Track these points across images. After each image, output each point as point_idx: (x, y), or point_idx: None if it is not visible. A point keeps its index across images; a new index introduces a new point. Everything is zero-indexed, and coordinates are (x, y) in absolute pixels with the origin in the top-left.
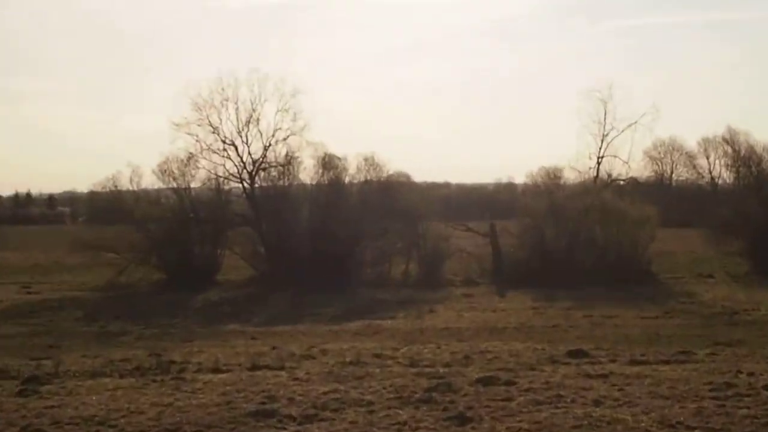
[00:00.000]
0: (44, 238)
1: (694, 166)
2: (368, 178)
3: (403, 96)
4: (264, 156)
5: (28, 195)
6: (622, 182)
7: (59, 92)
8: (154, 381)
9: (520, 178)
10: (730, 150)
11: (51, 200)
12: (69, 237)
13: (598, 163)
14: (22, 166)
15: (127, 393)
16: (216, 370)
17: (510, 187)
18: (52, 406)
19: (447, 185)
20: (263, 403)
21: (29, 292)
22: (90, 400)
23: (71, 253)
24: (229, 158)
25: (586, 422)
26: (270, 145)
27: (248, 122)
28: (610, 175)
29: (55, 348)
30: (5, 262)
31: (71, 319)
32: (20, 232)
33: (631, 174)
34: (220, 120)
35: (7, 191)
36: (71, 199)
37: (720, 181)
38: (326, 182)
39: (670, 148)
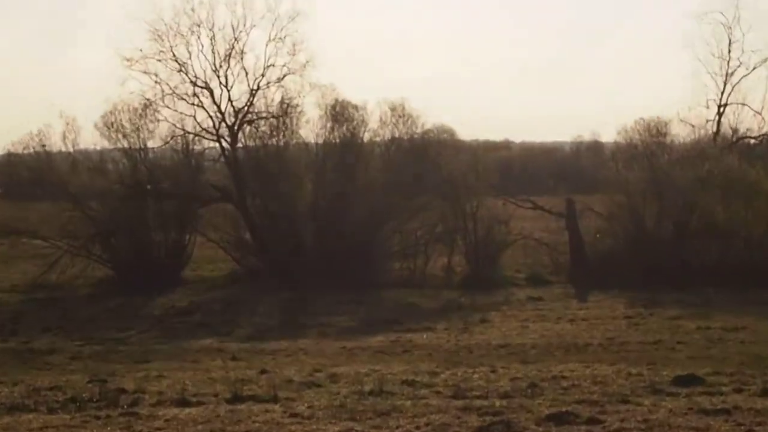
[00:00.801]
0: None
1: None
2: (396, 134)
3: (442, 20)
4: (250, 104)
5: None
6: (753, 141)
7: None
8: (97, 417)
9: (608, 135)
10: None
11: None
12: None
13: (719, 114)
14: None
15: None
16: (183, 403)
17: (595, 147)
18: None
19: (507, 145)
20: None
21: None
22: None
23: None
24: (202, 107)
25: None
26: (259, 88)
27: (228, 57)
28: (735, 131)
29: None
30: None
31: None
32: None
33: (767, 129)
34: (189, 53)
35: None
36: None
37: None
38: (337, 141)
39: None
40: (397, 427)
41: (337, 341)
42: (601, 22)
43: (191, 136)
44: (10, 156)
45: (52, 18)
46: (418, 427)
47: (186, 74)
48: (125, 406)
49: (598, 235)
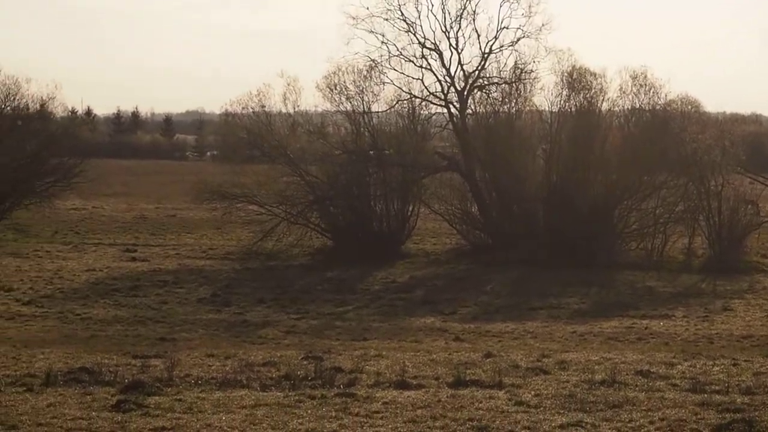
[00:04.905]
0: (156, 180)
1: None
2: (637, 105)
3: None
4: (482, 68)
5: (135, 115)
6: None
7: None
8: (312, 397)
9: None
10: None
11: (168, 124)
12: (192, 179)
13: None
14: (125, 72)
15: (271, 413)
16: (402, 385)
17: None
18: (163, 429)
19: (756, 119)
20: None
21: (133, 258)
22: (217, 422)
23: (195, 202)
24: (430, 70)
25: None
26: (491, 51)
27: (459, 17)
28: None
29: (168, 342)
30: (100, 212)
31: (192, 301)
32: (122, 170)
33: None
34: (419, 13)
35: (105, 109)
36: (197, 123)
37: None
38: (573, 110)
39: None
40: (629, 421)
41: (568, 325)
42: None
43: (418, 101)
44: (227, 117)
45: None
46: (652, 422)
47: (414, 35)
48: (341, 386)
49: None
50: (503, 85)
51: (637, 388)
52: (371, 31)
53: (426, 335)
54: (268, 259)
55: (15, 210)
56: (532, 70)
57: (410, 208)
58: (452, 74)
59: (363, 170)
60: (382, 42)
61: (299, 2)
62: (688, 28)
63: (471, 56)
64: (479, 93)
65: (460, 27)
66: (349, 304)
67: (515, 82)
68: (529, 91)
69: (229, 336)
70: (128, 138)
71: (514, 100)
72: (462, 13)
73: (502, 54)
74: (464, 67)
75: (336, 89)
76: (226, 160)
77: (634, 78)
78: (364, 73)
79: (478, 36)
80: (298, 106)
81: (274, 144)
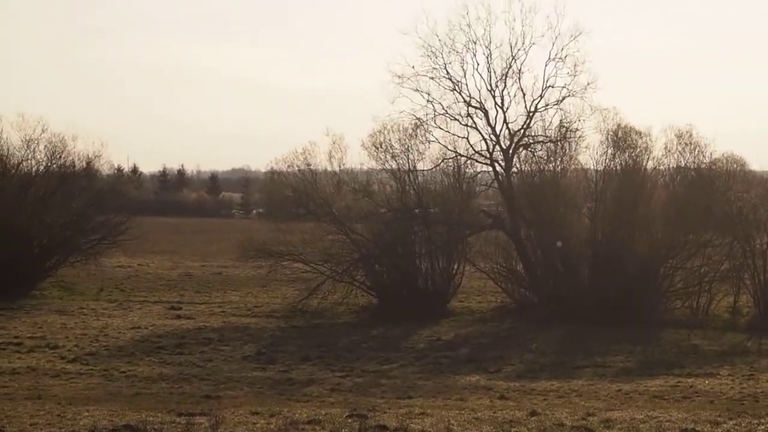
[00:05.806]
0: (202, 238)
1: None
2: (682, 163)
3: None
4: (527, 126)
5: (180, 173)
6: None
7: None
8: None
9: None
10: None
11: (213, 182)
12: (238, 237)
13: None
14: (171, 130)
15: None
16: None
17: None
18: None
19: None
20: None
21: (178, 316)
22: None
23: (240, 260)
24: (476, 128)
25: None
26: (536, 110)
27: (505, 76)
28: None
29: (213, 400)
30: (145, 270)
31: (237, 358)
32: (168, 228)
33: None
34: (464, 72)
35: (151, 166)
36: (243, 181)
37: None
38: (618, 168)
39: None
40: None
41: (613, 383)
42: None
43: (463, 159)
44: (273, 174)
45: (320, 35)
46: None
47: (460, 93)
48: None
49: None
50: (548, 143)
51: None
52: (417, 90)
53: (471, 393)
54: (313, 316)
55: (61, 267)
56: (577, 129)
57: (455, 266)
58: (497, 132)
59: (408, 228)
60: (428, 100)
61: (345, 61)
62: (732, 86)
63: (516, 115)
64: (524, 151)
65: (505, 86)
66: (394, 362)
67: (560, 140)
68: (575, 150)
69: (273, 394)
70: (174, 195)
71: (560, 159)
72: (507, 72)
73: (547, 112)
74: (509, 125)
75: (381, 147)
76: (272, 218)
77: (679, 137)
78: (410, 131)
79: (524, 95)
80: (343, 164)
81: (320, 202)
